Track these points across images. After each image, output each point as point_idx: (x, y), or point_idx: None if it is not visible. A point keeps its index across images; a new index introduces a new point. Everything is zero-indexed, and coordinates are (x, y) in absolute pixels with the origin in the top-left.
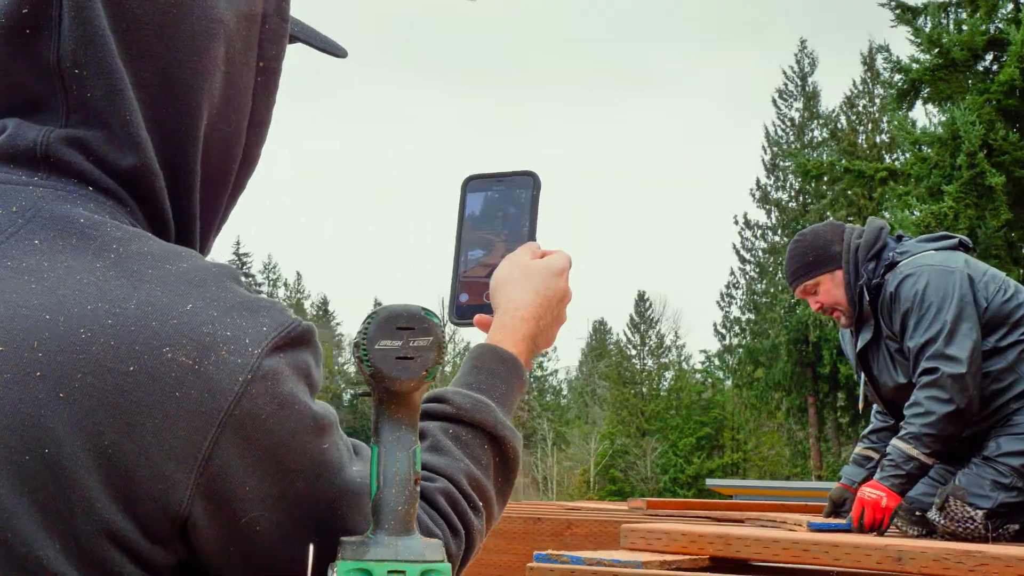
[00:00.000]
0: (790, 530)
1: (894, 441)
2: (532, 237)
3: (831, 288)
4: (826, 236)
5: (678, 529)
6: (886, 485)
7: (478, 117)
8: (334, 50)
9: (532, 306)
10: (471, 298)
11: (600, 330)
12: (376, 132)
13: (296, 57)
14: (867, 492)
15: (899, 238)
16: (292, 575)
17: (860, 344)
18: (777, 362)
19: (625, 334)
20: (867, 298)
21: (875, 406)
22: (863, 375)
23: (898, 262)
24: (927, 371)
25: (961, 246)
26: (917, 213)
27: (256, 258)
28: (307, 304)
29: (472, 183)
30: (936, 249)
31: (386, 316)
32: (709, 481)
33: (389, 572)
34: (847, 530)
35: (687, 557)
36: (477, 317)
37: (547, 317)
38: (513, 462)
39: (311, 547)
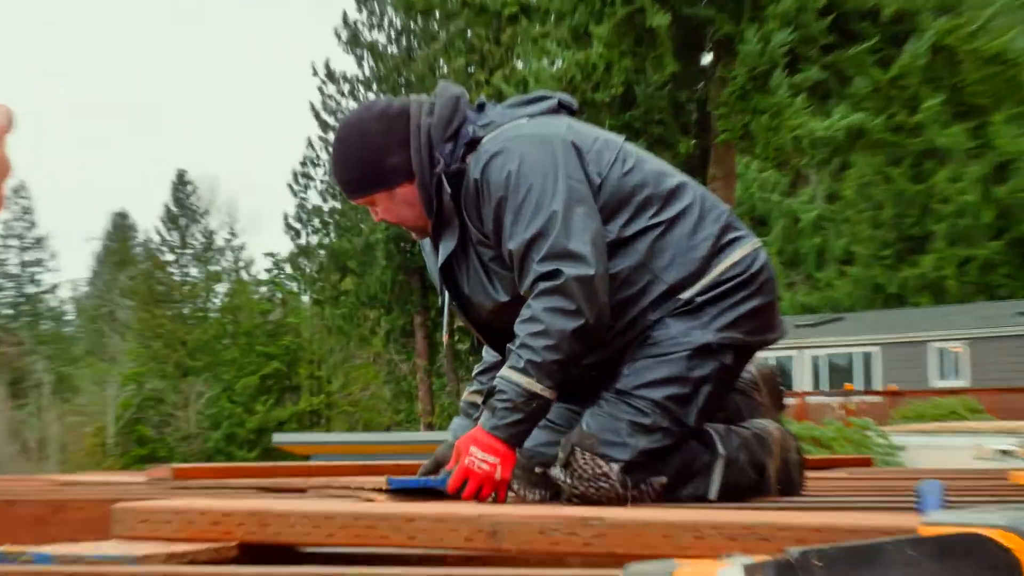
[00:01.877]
0: (366, 499)
1: (505, 372)
2: None
3: (391, 206)
4: (378, 143)
5: (195, 507)
6: (501, 437)
7: None
8: None
9: None
10: None
11: (121, 227)
12: None
13: None
14: (477, 458)
15: (481, 107)
16: None
17: (444, 256)
18: (373, 268)
19: (159, 232)
20: (448, 191)
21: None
22: (447, 295)
23: (480, 138)
24: (546, 275)
25: (562, 107)
26: (559, 63)
27: None
28: None
29: None
30: (529, 116)
31: None
32: (277, 437)
33: None
34: (440, 488)
35: (206, 546)
36: None
37: None
38: None
39: None
